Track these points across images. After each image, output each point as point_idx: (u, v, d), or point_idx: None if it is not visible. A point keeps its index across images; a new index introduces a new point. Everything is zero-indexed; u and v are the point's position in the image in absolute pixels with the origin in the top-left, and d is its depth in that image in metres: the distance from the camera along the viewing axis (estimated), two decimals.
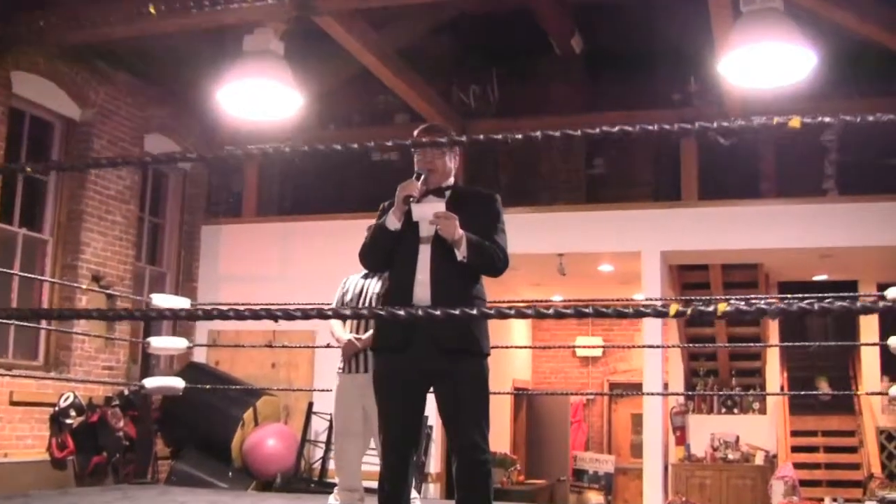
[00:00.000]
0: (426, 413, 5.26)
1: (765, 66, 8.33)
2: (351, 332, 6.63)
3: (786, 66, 8.32)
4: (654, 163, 14.81)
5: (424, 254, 5.05)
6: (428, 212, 4.96)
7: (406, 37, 12.93)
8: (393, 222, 5.08)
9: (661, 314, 2.17)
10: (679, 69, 13.58)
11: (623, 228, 12.40)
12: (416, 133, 5.36)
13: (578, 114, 13.82)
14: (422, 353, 4.96)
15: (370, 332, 6.38)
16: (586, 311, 2.19)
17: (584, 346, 18.02)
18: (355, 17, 10.57)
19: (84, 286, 11.29)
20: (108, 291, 11.36)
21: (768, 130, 13.39)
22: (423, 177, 5.13)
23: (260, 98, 9.60)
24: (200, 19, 10.09)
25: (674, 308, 2.13)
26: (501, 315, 2.22)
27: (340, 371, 6.66)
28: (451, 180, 5.32)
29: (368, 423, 6.45)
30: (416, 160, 5.22)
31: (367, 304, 6.63)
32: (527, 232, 11.59)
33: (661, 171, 14.61)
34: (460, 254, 4.93)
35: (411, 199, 5.03)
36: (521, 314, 2.24)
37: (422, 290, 5.00)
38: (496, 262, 5.06)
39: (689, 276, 14.01)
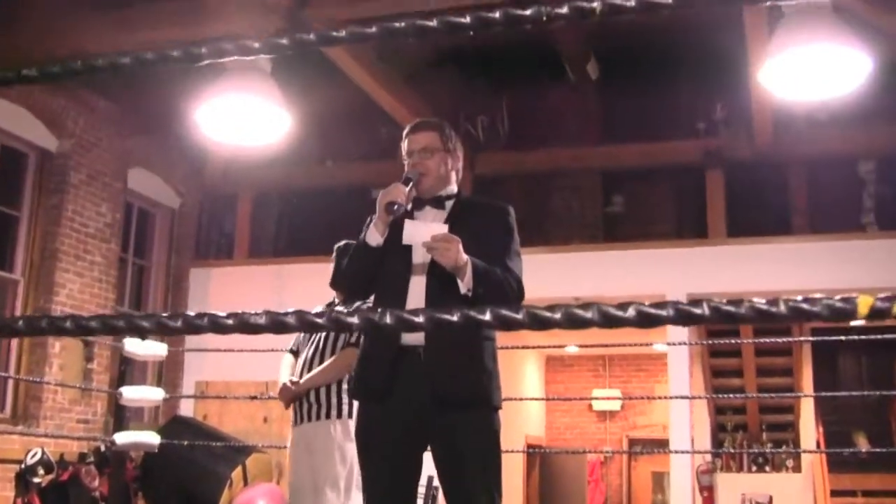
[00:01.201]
0: (432, 472, 4.23)
1: (812, 73, 7.36)
2: (300, 375, 5.90)
3: (837, 72, 7.33)
4: (676, 198, 14.00)
5: (418, 285, 4.09)
6: (423, 233, 3.95)
7: (410, 64, 12.29)
8: (374, 237, 4.08)
9: (839, 314, 1.24)
10: (703, 95, 12.74)
11: (644, 269, 11.56)
12: (404, 133, 4.40)
13: (594, 146, 13.03)
14: (413, 402, 4.00)
15: (314, 372, 5.77)
16: (660, 312, 1.23)
17: (602, 399, 17.11)
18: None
19: None
20: (84, 337, 10.48)
21: (800, 165, 12.76)
22: (412, 181, 4.15)
23: (243, 118, 8.70)
24: (180, 32, 9.33)
25: (866, 303, 1.26)
26: (511, 324, 1.27)
27: (291, 425, 6.00)
28: (453, 188, 4.36)
29: (318, 478, 5.72)
30: (406, 164, 4.29)
31: (316, 344, 5.93)
32: (539, 273, 10.60)
33: (684, 206, 13.81)
34: (464, 286, 3.92)
35: (395, 208, 4.01)
36: (541, 321, 1.27)
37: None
38: (508, 295, 4.00)
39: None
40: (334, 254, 6.16)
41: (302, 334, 6.06)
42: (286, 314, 1.42)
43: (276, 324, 1.42)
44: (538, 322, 1.29)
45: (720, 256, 11.48)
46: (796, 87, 7.75)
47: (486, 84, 13.88)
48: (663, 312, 1.25)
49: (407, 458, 4.12)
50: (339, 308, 5.72)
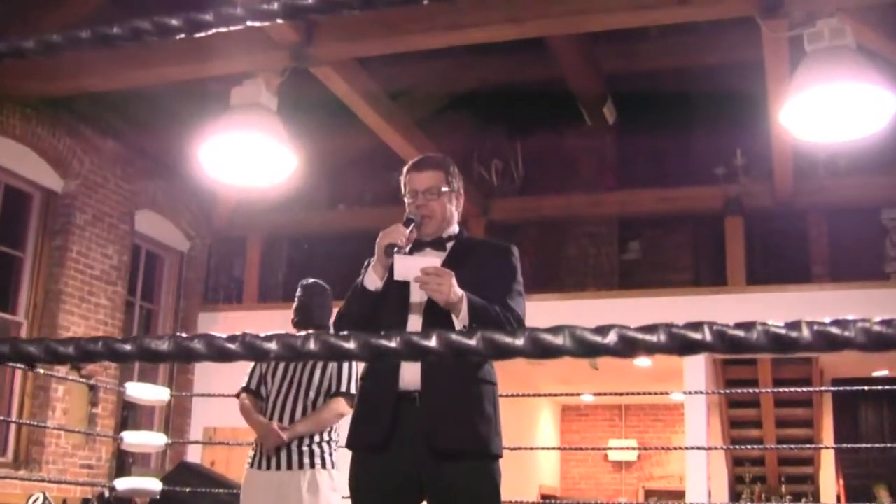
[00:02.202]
0: None
1: (834, 114, 7.15)
2: (270, 418, 5.57)
3: (860, 113, 7.12)
4: (694, 245, 13.82)
5: (414, 323, 3.86)
6: (415, 268, 3.73)
7: (423, 108, 12.17)
8: (373, 280, 3.87)
9: (880, 341, 1.01)
10: (723, 140, 12.55)
11: (661, 317, 10.97)
12: (406, 168, 4.17)
13: (610, 191, 12.87)
14: (410, 453, 3.77)
15: (307, 419, 5.48)
16: (648, 337, 1.01)
17: (618, 449, 16.83)
18: (360, 73, 9.72)
19: (61, 374, 10.20)
20: (88, 381, 10.32)
21: (821, 212, 12.57)
22: (413, 223, 3.92)
23: (249, 157, 8.53)
24: (189, 70, 9.22)
25: None
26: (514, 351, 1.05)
27: (250, 465, 5.58)
28: (455, 229, 4.12)
29: None
30: (407, 203, 4.05)
31: (290, 383, 5.61)
32: (553, 320, 10.32)
33: (702, 254, 13.63)
34: (459, 322, 3.70)
35: (396, 250, 3.79)
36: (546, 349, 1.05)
37: (411, 373, 3.80)
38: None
39: (734, 372, 12.84)
40: (299, 291, 5.93)
41: (261, 371, 5.76)
42: (268, 338, 1.20)
43: (256, 351, 1.20)
44: (496, 349, 1.07)
45: (739, 305, 11.19)
46: (818, 128, 7.56)
47: (501, 128, 13.80)
48: (652, 338, 1.03)
49: None
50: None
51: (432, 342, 1.08)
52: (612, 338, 1.05)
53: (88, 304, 11.14)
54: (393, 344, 1.09)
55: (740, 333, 1.04)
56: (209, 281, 13.63)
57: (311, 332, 1.34)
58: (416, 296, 3.88)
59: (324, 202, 13.85)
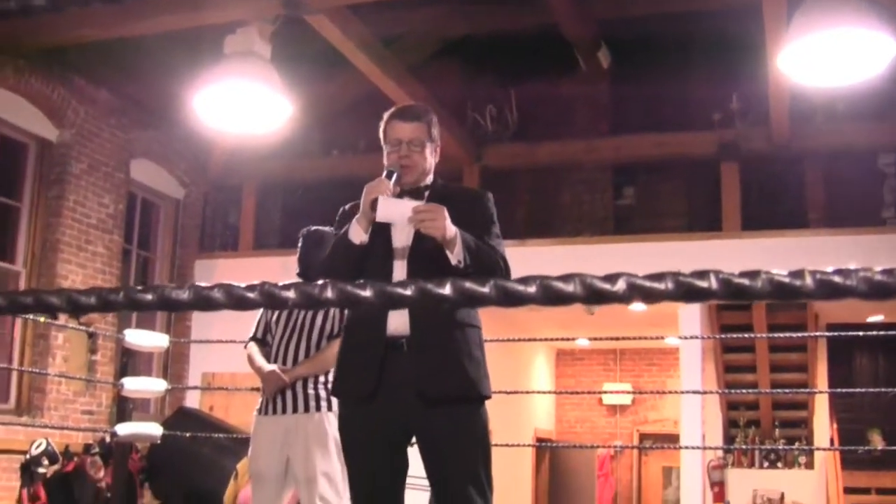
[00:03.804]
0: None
1: (833, 58, 7.13)
2: (274, 362, 5.62)
3: (858, 57, 7.11)
4: (689, 191, 13.79)
5: (399, 270, 3.90)
6: (401, 210, 3.75)
7: (416, 54, 12.12)
8: (358, 234, 3.86)
9: (881, 289, 1.04)
10: (719, 85, 12.49)
11: (656, 263, 11.17)
12: (386, 116, 4.16)
13: (605, 137, 12.84)
14: (399, 401, 3.82)
15: (306, 361, 5.55)
16: (656, 285, 1.04)
17: (613, 393, 16.90)
18: (354, 21, 9.68)
19: (61, 322, 10.22)
20: (87, 329, 10.35)
21: (817, 158, 12.55)
22: (395, 175, 3.93)
23: (243, 105, 8.51)
24: (180, 20, 9.18)
25: None
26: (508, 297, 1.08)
27: (258, 412, 5.67)
28: (430, 178, 4.15)
29: (291, 471, 5.49)
30: (387, 152, 4.05)
31: (293, 329, 5.65)
32: (548, 266, 10.39)
33: (697, 199, 13.59)
34: (454, 257, 3.70)
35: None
36: (512, 295, 1.08)
37: (398, 318, 3.83)
38: (497, 270, 3.83)
39: (729, 317, 12.84)
40: (300, 241, 5.94)
41: (266, 319, 5.83)
42: (250, 287, 1.22)
43: (236, 299, 1.22)
44: (508, 297, 1.10)
45: (734, 251, 11.22)
46: (816, 73, 7.53)
47: (495, 74, 13.70)
48: (660, 286, 1.06)
49: (393, 457, 3.98)
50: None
51: (446, 290, 1.11)
52: (620, 285, 1.08)
53: (86, 252, 11.16)
54: (407, 292, 1.12)
55: (745, 282, 1.08)
56: (205, 228, 13.61)
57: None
58: (399, 241, 3.92)
59: (318, 149, 13.82)
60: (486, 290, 1.11)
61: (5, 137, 10.70)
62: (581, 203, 13.66)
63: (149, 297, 1.23)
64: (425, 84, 11.45)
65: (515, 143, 13.11)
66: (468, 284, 1.12)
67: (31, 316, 8.40)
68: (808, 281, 1.09)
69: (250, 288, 1.20)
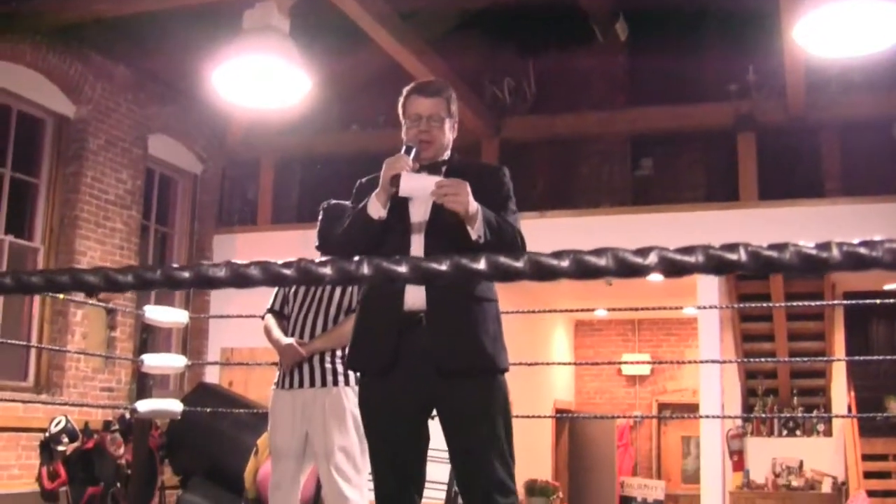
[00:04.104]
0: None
1: (848, 29, 7.11)
2: (291, 335, 5.60)
3: (874, 28, 7.08)
4: (707, 161, 13.76)
5: (416, 244, 3.91)
6: (423, 184, 3.77)
7: (435, 27, 12.09)
8: (377, 209, 3.87)
9: None
10: (735, 56, 12.46)
11: (674, 233, 11.30)
12: (405, 92, 4.17)
13: (622, 109, 12.82)
14: (417, 374, 3.84)
15: (324, 335, 5.51)
16: (687, 258, 1.05)
17: (631, 363, 16.91)
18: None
19: (80, 299, 10.23)
20: (106, 305, 10.37)
21: (833, 128, 12.52)
22: (414, 150, 3.93)
23: (262, 79, 8.50)
24: None
25: None
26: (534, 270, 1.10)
27: (276, 386, 5.66)
28: (448, 154, 4.15)
29: (311, 447, 5.48)
30: (406, 127, 4.06)
31: (311, 302, 5.63)
32: (566, 238, 10.49)
33: (714, 170, 13.57)
34: (475, 231, 3.70)
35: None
36: (545, 269, 1.10)
37: (415, 292, 3.84)
38: (515, 245, 3.84)
39: (747, 287, 12.83)
40: (321, 214, 5.92)
41: (284, 292, 5.80)
42: (284, 264, 1.24)
43: (273, 276, 1.24)
44: (541, 271, 1.12)
45: (751, 220, 11.24)
46: (831, 44, 7.50)
47: (513, 47, 13.69)
48: (691, 259, 1.08)
49: (413, 430, 3.99)
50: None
51: (481, 265, 1.12)
52: (652, 259, 1.09)
53: (104, 228, 11.19)
54: (443, 267, 1.14)
55: (774, 254, 1.09)
56: (223, 203, 13.64)
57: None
58: (417, 216, 3.93)
59: (336, 124, 13.79)
60: (519, 264, 1.13)
61: (23, 114, 10.74)
62: (599, 175, 13.65)
63: (186, 275, 1.25)
64: (443, 58, 11.44)
65: (534, 116, 13.11)
66: (502, 259, 1.14)
67: (51, 294, 8.40)
68: (835, 252, 1.10)
69: (287, 265, 1.22)
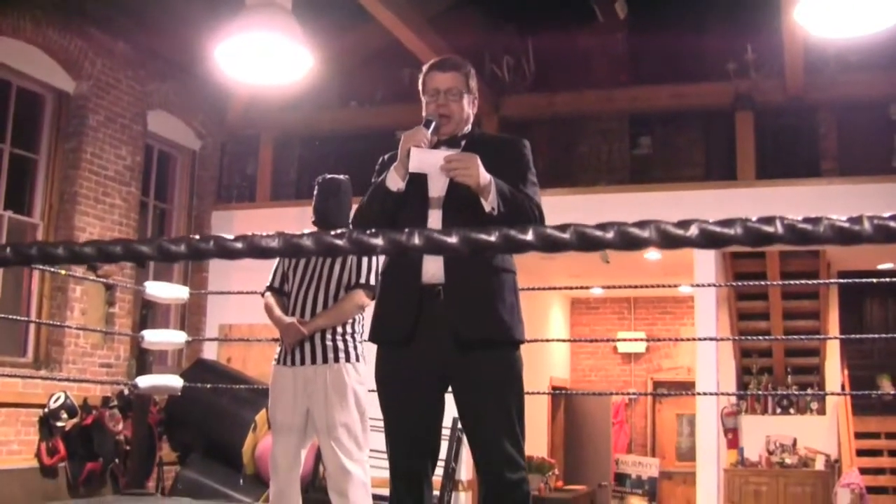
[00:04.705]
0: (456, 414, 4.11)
1: (849, 9, 7.12)
2: (292, 314, 5.62)
3: (874, 7, 7.10)
4: (705, 140, 13.80)
5: (434, 218, 3.94)
6: (434, 159, 3.80)
7: (434, 5, 12.08)
8: (395, 181, 3.92)
9: None
10: (734, 36, 12.47)
11: (672, 212, 11.29)
12: (425, 69, 4.22)
13: (622, 87, 12.84)
14: (435, 345, 3.87)
15: (325, 312, 5.53)
16: (680, 232, 1.09)
17: (627, 341, 16.97)
18: None
19: (79, 275, 10.24)
20: (106, 281, 10.38)
21: (830, 108, 12.56)
22: (433, 124, 3.96)
23: (264, 56, 8.47)
24: None
25: None
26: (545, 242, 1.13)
27: (276, 362, 5.67)
28: (468, 128, 4.19)
29: (312, 423, 5.51)
30: (426, 103, 4.11)
31: (311, 279, 5.66)
32: (565, 216, 10.30)
33: (713, 149, 13.61)
34: (488, 204, 3.75)
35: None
36: (552, 241, 1.14)
37: (433, 264, 3.88)
38: (532, 218, 3.86)
39: (743, 265, 12.88)
40: (316, 190, 5.92)
41: (283, 269, 5.80)
42: (301, 235, 1.28)
43: (291, 246, 1.27)
44: (586, 242, 1.15)
45: (749, 199, 11.24)
46: (830, 24, 7.51)
47: (512, 25, 13.67)
48: (730, 231, 1.12)
49: (430, 401, 4.02)
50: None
51: (529, 236, 1.16)
52: (693, 231, 1.13)
53: (103, 204, 11.17)
54: (493, 238, 1.17)
55: (808, 227, 1.13)
56: (222, 180, 13.62)
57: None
58: (435, 191, 3.96)
59: (335, 100, 13.77)
60: (566, 235, 1.16)
61: (23, 90, 10.72)
62: (598, 153, 13.68)
63: (209, 245, 1.27)
64: (443, 35, 11.44)
65: (533, 94, 13.12)
66: (549, 231, 1.18)
67: (54, 268, 8.42)
68: (867, 226, 1.14)
69: (302, 235, 1.25)
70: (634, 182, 13.18)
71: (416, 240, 1.19)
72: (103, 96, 11.22)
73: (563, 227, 1.18)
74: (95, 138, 11.08)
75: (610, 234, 1.15)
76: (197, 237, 1.26)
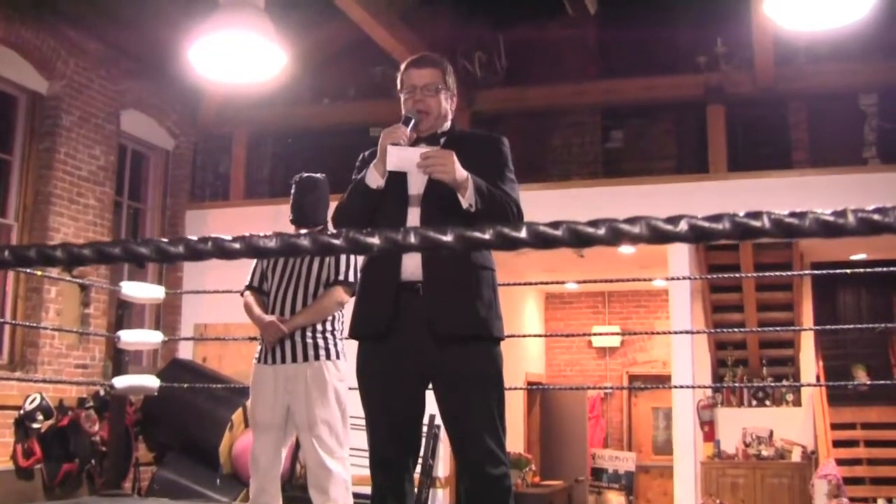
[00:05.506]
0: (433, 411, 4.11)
1: (818, 1, 7.17)
2: (272, 312, 5.64)
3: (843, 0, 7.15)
4: (677, 133, 13.85)
5: (413, 215, 3.97)
6: (411, 156, 3.82)
7: (404, 1, 12.06)
8: (374, 178, 3.96)
9: None
10: (704, 29, 12.52)
11: (645, 205, 11.35)
12: (403, 66, 4.25)
13: (593, 81, 12.86)
14: (413, 341, 3.89)
15: (305, 310, 5.54)
16: (668, 227, 1.11)
17: (602, 335, 16.99)
18: None
19: (54, 275, 10.19)
20: (81, 281, 10.33)
21: (801, 99, 12.63)
22: (412, 122, 4.00)
23: (237, 54, 8.45)
24: None
25: None
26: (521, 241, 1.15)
27: (257, 360, 5.67)
28: (448, 125, 4.22)
29: (293, 420, 5.52)
30: (404, 100, 4.14)
31: (290, 278, 5.66)
32: (538, 209, 10.40)
33: (685, 142, 13.66)
34: (465, 200, 3.79)
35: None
36: (545, 238, 1.16)
37: (412, 261, 3.90)
38: (509, 215, 3.90)
39: (717, 258, 12.92)
40: (293, 188, 5.93)
41: (262, 268, 5.80)
42: (299, 236, 1.29)
43: (289, 246, 1.29)
44: (578, 238, 1.18)
45: (721, 192, 11.31)
46: (800, 16, 7.55)
47: (483, 20, 13.65)
48: (718, 226, 1.14)
49: (410, 395, 4.04)
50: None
51: (522, 233, 1.18)
52: (682, 226, 1.16)
53: (77, 205, 11.13)
54: (487, 235, 1.19)
55: (795, 221, 1.16)
56: (195, 179, 13.56)
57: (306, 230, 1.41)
58: (414, 188, 3.98)
59: (308, 97, 13.73)
60: (558, 233, 1.18)
61: None
62: (570, 146, 13.72)
63: (208, 246, 1.28)
64: (414, 31, 11.45)
65: (505, 88, 13.12)
66: (542, 229, 1.19)
67: (29, 269, 8.38)
68: (851, 219, 1.17)
69: (300, 236, 1.26)
70: (607, 175, 13.23)
71: (412, 238, 1.21)
72: (76, 96, 11.17)
73: (555, 225, 1.20)
74: (69, 138, 11.03)
75: (602, 231, 1.17)
76: (196, 238, 1.27)
